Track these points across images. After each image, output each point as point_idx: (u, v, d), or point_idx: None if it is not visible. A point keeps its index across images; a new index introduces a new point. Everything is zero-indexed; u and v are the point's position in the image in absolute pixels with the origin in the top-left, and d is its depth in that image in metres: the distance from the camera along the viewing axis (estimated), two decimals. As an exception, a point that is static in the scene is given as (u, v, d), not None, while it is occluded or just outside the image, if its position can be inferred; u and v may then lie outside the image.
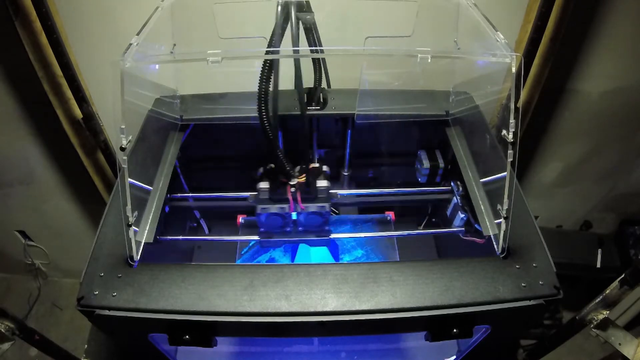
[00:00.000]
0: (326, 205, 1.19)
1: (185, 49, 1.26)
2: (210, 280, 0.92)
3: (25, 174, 2.16)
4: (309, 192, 1.19)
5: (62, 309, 2.80)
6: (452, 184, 1.32)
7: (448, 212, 1.35)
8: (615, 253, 2.28)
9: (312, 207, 1.18)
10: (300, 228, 1.24)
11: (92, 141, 1.73)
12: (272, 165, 1.18)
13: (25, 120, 1.89)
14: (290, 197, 1.16)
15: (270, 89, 1.01)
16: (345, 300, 0.89)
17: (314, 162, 1.26)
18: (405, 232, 1.41)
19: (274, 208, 1.18)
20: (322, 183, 1.22)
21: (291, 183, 1.17)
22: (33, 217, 2.44)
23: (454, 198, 1.29)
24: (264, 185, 1.22)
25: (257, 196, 1.21)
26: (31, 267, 2.76)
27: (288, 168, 1.15)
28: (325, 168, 1.27)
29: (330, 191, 1.24)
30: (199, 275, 0.93)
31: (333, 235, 1.27)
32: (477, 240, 1.15)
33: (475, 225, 1.14)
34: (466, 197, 1.20)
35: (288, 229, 1.24)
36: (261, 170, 1.26)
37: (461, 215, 1.24)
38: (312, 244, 1.33)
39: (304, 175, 1.18)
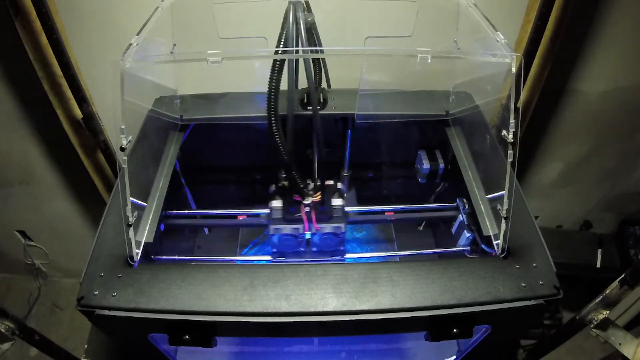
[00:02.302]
0: (342, 225, 1.14)
1: (185, 49, 1.26)
2: (210, 280, 0.92)
3: (25, 174, 2.16)
4: (323, 212, 1.14)
5: (62, 309, 2.80)
6: (457, 200, 1.29)
7: (453, 230, 1.33)
8: (615, 253, 2.27)
9: (328, 227, 1.14)
10: (313, 248, 1.20)
11: (92, 141, 1.73)
12: (285, 183, 1.14)
13: (25, 120, 1.89)
14: (304, 217, 1.12)
15: (284, 112, 0.98)
16: (345, 300, 0.89)
17: (314, 165, 1.24)
18: (409, 252, 1.35)
19: (288, 229, 1.13)
20: (337, 202, 1.17)
21: (305, 202, 1.12)
22: (33, 217, 2.44)
23: (460, 216, 1.27)
24: (276, 204, 1.16)
25: (269, 215, 1.16)
26: (31, 267, 2.76)
27: (302, 186, 1.11)
28: (339, 186, 1.22)
29: (348, 209, 1.19)
30: (199, 275, 0.93)
31: (348, 256, 1.23)
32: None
33: (482, 246, 1.11)
34: (472, 215, 1.17)
35: (301, 249, 1.20)
36: (273, 187, 1.21)
37: (467, 234, 1.21)
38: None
39: (318, 193, 1.13)
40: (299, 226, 1.14)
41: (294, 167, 1.08)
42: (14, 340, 1.20)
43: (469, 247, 1.23)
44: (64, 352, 1.39)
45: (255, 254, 1.50)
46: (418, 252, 1.34)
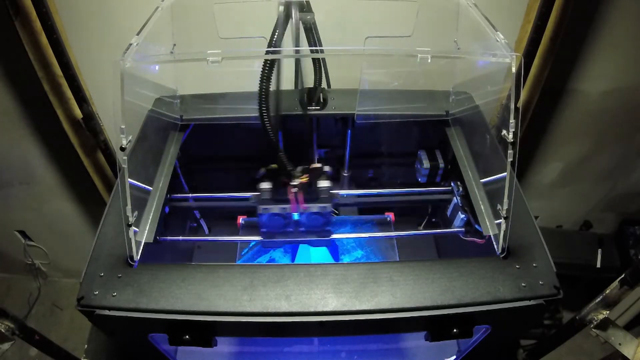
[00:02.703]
0: (328, 205, 1.19)
1: (185, 49, 1.26)
2: (210, 280, 0.92)
3: (25, 174, 2.16)
4: (310, 193, 1.19)
5: (62, 309, 2.80)
6: (452, 184, 1.32)
7: (448, 213, 1.35)
8: (615, 253, 2.28)
9: (314, 207, 1.18)
10: (301, 228, 1.24)
11: (92, 141, 1.73)
12: (274, 166, 1.18)
13: (25, 120, 1.89)
14: (292, 197, 1.16)
15: (271, 89, 1.01)
16: (345, 300, 0.89)
17: (315, 162, 1.26)
18: (405, 233, 1.40)
19: (276, 208, 1.18)
20: (323, 183, 1.22)
21: (293, 183, 1.17)
22: (33, 217, 2.44)
23: (454, 198, 1.29)
24: (265, 185, 1.22)
25: (259, 196, 1.21)
26: (31, 267, 2.76)
27: (290, 168, 1.15)
28: (326, 168, 1.27)
29: (332, 191, 1.24)
30: (199, 275, 0.93)
31: (334, 236, 1.27)
32: (477, 240, 1.15)
33: (475, 226, 1.14)
34: (466, 197, 1.20)
35: (289, 229, 1.24)
36: (263, 170, 1.26)
37: (461, 215, 1.24)
38: (313, 244, 1.33)
39: (305, 175, 1.18)
40: (287, 206, 1.18)
41: (280, 147, 1.10)
42: (14, 340, 1.20)
43: (463, 229, 1.24)
44: (64, 352, 1.39)
45: (255, 255, 1.50)
46: (414, 232, 1.39)
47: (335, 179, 1.60)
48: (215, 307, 0.88)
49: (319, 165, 1.25)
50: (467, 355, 1.21)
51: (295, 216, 1.21)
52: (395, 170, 1.61)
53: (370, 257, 1.48)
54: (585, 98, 1.89)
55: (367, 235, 1.51)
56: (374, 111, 1.31)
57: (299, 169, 1.18)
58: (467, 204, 1.20)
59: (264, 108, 1.02)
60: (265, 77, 0.99)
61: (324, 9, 1.21)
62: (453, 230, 1.28)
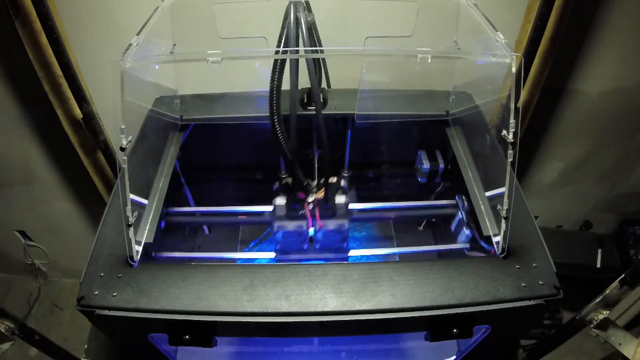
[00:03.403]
0: (345, 222, 1.15)
1: (185, 49, 1.26)
2: (210, 280, 0.92)
3: (25, 174, 2.16)
4: (327, 209, 1.15)
5: (62, 309, 2.80)
6: (456, 198, 1.30)
7: (452, 227, 1.33)
8: (615, 253, 2.27)
9: (331, 224, 1.15)
10: (317, 245, 1.21)
11: (92, 141, 1.73)
12: (289, 180, 1.15)
13: (25, 120, 1.89)
14: (308, 214, 1.13)
15: (286, 112, 0.97)
16: (345, 300, 0.89)
17: (314, 165, 1.24)
18: (409, 249, 1.36)
19: (291, 225, 1.14)
20: (340, 199, 1.18)
21: (309, 199, 1.13)
22: (33, 217, 2.44)
23: (459, 213, 1.27)
24: (280, 201, 1.17)
25: (273, 212, 1.17)
26: (31, 267, 2.76)
27: (306, 183, 1.11)
28: (343, 183, 1.22)
29: (349, 207, 1.20)
30: (199, 275, 0.93)
31: (352, 253, 1.23)
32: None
33: (481, 243, 1.12)
34: (471, 213, 1.18)
35: (305, 247, 1.20)
36: (277, 184, 1.22)
37: (466, 231, 1.22)
38: (328, 260, 1.29)
39: (322, 190, 1.14)
40: (303, 223, 1.15)
41: (298, 165, 1.08)
42: (14, 340, 1.20)
43: (468, 245, 1.23)
44: (64, 352, 1.39)
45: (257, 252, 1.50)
46: (417, 249, 1.34)
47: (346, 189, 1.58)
48: (215, 307, 0.88)
49: (335, 179, 1.20)
50: (467, 355, 1.21)
51: (311, 232, 1.18)
52: (395, 170, 1.61)
53: (370, 257, 1.47)
54: (585, 98, 1.89)
55: (378, 252, 1.47)
56: (374, 111, 1.31)
57: (315, 183, 1.14)
58: (472, 220, 1.17)
59: (278, 128, 0.98)
60: (276, 84, 0.96)
61: (324, 9, 1.21)
62: (458, 246, 1.25)
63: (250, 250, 1.53)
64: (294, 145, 1.05)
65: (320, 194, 1.14)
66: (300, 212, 1.14)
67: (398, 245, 1.52)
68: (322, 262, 1.31)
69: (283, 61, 0.97)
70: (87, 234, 2.49)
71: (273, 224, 1.15)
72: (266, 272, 0.94)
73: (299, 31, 0.98)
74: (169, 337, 0.92)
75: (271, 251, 1.25)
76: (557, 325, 2.41)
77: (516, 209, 0.97)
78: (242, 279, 0.92)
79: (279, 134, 1.01)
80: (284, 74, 1.01)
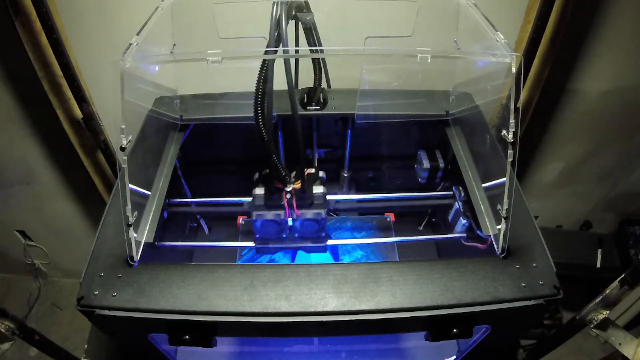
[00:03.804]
0: (322, 211, 1.17)
1: (185, 49, 1.25)
2: (210, 280, 0.92)
3: (25, 174, 2.16)
4: (304, 199, 1.17)
5: (62, 309, 2.80)
6: (453, 189, 1.31)
7: (450, 217, 1.34)
8: (615, 253, 2.27)
9: (308, 213, 1.17)
10: (296, 234, 1.23)
11: (92, 141, 1.73)
12: (268, 170, 1.17)
13: (25, 120, 1.89)
14: (285, 203, 1.15)
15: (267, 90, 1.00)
16: (345, 300, 0.89)
17: (314, 164, 1.25)
18: (406, 238, 1.39)
19: (270, 214, 1.16)
20: (318, 189, 1.20)
21: (287, 189, 1.15)
22: (33, 217, 2.44)
23: (456, 203, 1.29)
24: (259, 191, 1.20)
25: (252, 202, 1.19)
26: (31, 267, 2.76)
27: (284, 174, 1.13)
28: (321, 174, 1.25)
29: (327, 197, 1.22)
30: (199, 275, 0.93)
31: (330, 242, 1.26)
32: (479, 245, 1.15)
33: (477, 232, 1.13)
34: (468, 203, 1.19)
35: (284, 235, 1.23)
36: (257, 175, 1.25)
37: (463, 221, 1.23)
38: (308, 250, 1.32)
39: (299, 181, 1.16)
40: (281, 212, 1.16)
41: (276, 155, 1.10)
42: (14, 340, 1.20)
43: (465, 234, 1.24)
44: (64, 352, 1.39)
45: (255, 255, 1.50)
46: (414, 238, 1.36)
47: (335, 179, 1.60)
48: (215, 307, 0.88)
49: (312, 170, 1.23)
50: (467, 355, 1.21)
51: (290, 222, 1.20)
52: (395, 171, 1.61)
53: (370, 257, 1.48)
54: (585, 98, 1.89)
55: (364, 242, 1.50)
56: (374, 111, 1.31)
57: (293, 174, 1.17)
58: (469, 209, 1.19)
59: (260, 110, 1.01)
60: (262, 78, 0.98)
61: (324, 9, 1.21)
62: (455, 235, 1.27)
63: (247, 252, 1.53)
64: (271, 127, 1.06)
65: (297, 185, 1.15)
66: (279, 202, 1.16)
67: (398, 246, 1.52)
68: (301, 251, 1.35)
69: (272, 61, 0.98)
70: (87, 234, 2.49)
71: (252, 212, 1.18)
72: (266, 272, 0.94)
73: (282, 30, 0.98)
74: (169, 337, 0.92)
75: (252, 240, 1.27)
76: (557, 325, 2.41)
77: (516, 209, 0.97)
78: (242, 279, 0.92)
79: (260, 120, 1.02)
80: (277, 74, 1.01)
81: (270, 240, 1.24)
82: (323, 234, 1.23)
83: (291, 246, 1.27)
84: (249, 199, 1.28)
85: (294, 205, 1.16)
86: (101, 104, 1.68)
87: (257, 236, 1.23)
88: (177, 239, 1.26)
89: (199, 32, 1.29)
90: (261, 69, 0.98)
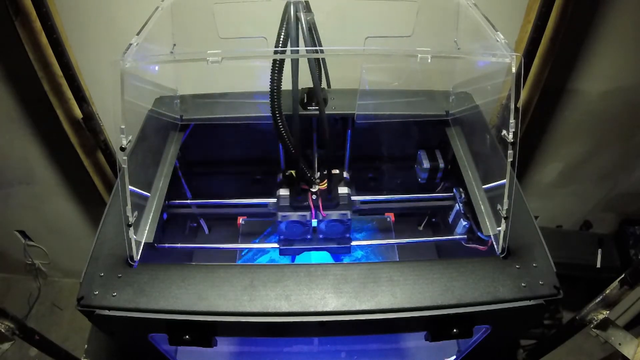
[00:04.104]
0: (348, 212, 1.16)
1: (185, 49, 1.26)
2: (210, 280, 0.92)
3: (25, 174, 2.16)
4: (330, 200, 1.16)
5: (62, 309, 2.80)
6: (454, 190, 1.31)
7: (450, 219, 1.34)
8: (615, 253, 2.27)
9: (334, 214, 1.16)
10: (320, 236, 1.22)
11: (92, 141, 1.73)
12: (292, 172, 1.16)
13: (25, 120, 1.89)
14: (311, 204, 1.14)
15: (289, 113, 0.99)
16: (345, 300, 0.89)
17: (314, 164, 1.24)
18: (408, 240, 1.38)
19: (295, 216, 1.15)
20: (343, 190, 1.20)
21: (312, 190, 1.14)
22: (33, 217, 2.44)
23: (457, 205, 1.29)
24: (284, 192, 1.19)
25: (277, 203, 1.18)
26: (31, 267, 2.76)
27: (309, 175, 1.13)
28: (345, 174, 1.24)
29: (352, 198, 1.21)
30: (199, 275, 0.93)
31: (354, 243, 1.25)
32: (480, 247, 1.15)
33: (478, 233, 1.13)
34: (468, 205, 1.19)
35: (308, 237, 1.22)
36: (281, 176, 1.23)
37: (464, 222, 1.23)
38: (333, 251, 1.30)
39: (325, 181, 1.15)
40: (306, 213, 1.16)
41: (301, 158, 1.09)
42: (14, 340, 1.20)
43: (465, 236, 1.23)
44: (64, 352, 1.39)
45: (255, 255, 1.50)
46: (417, 239, 1.36)
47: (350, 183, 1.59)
48: (215, 307, 0.88)
49: (337, 170, 1.22)
50: (467, 355, 1.21)
51: (314, 223, 1.19)
52: (395, 171, 1.61)
53: (370, 257, 1.48)
54: (585, 98, 1.89)
55: (379, 242, 1.49)
56: (374, 111, 1.31)
57: (318, 175, 1.16)
58: (470, 211, 1.19)
59: (279, 122, 0.99)
60: (276, 80, 0.97)
61: (324, 9, 1.21)
62: (455, 237, 1.27)
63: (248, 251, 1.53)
64: (297, 140, 1.06)
65: (323, 185, 1.15)
66: (304, 202, 1.15)
67: (398, 247, 1.52)
68: (325, 252, 1.33)
69: (282, 60, 0.97)
70: (87, 234, 2.49)
71: (277, 214, 1.16)
72: (266, 272, 0.94)
73: (299, 30, 0.98)
74: (169, 337, 0.92)
75: (274, 242, 1.26)
76: (557, 325, 2.41)
77: (516, 209, 0.97)
78: (242, 279, 0.92)
79: (282, 130, 1.02)
80: (285, 73, 1.01)
81: (295, 242, 1.23)
82: (347, 235, 1.22)
83: (316, 247, 1.25)
84: (249, 200, 1.27)
85: (320, 206, 1.15)
86: (101, 104, 1.68)
87: (282, 237, 1.22)
88: (177, 240, 1.25)
89: (199, 32, 1.29)
90: (272, 69, 0.97)
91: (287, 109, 1.05)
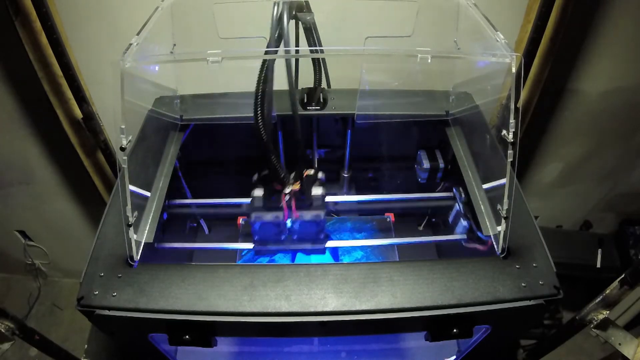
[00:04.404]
0: (321, 213, 1.17)
1: (185, 49, 1.26)
2: (210, 280, 0.92)
3: (25, 174, 2.16)
4: (303, 200, 1.17)
5: (62, 309, 2.80)
6: (454, 190, 1.31)
7: (450, 219, 1.34)
8: (615, 253, 2.27)
9: (307, 215, 1.16)
10: (295, 236, 1.23)
11: (92, 141, 1.73)
12: (267, 172, 1.17)
13: (25, 120, 1.89)
14: (284, 205, 1.15)
15: (267, 90, 1.00)
16: (345, 300, 0.89)
17: (313, 165, 1.25)
18: (406, 240, 1.37)
19: (268, 216, 1.16)
20: (317, 191, 1.20)
21: (285, 191, 1.15)
22: (33, 217, 2.44)
23: (456, 205, 1.29)
24: (258, 192, 1.20)
25: (251, 203, 1.19)
26: (31, 267, 2.76)
27: (282, 175, 1.13)
28: (320, 175, 1.24)
29: (326, 198, 1.22)
30: (199, 275, 0.93)
31: (329, 244, 1.25)
32: (480, 247, 1.15)
33: (478, 233, 1.13)
34: (468, 204, 1.19)
35: (283, 237, 1.22)
36: (256, 176, 1.24)
37: (463, 222, 1.23)
38: (307, 252, 1.31)
39: (298, 182, 1.16)
40: (279, 214, 1.16)
41: (275, 156, 1.09)
42: (14, 340, 1.20)
43: (465, 236, 1.23)
44: (64, 352, 1.39)
45: (255, 255, 1.50)
46: (416, 240, 1.35)
47: (335, 179, 1.59)
48: (215, 307, 0.88)
49: (312, 171, 1.23)
50: (467, 355, 1.21)
51: (289, 224, 1.19)
52: (395, 171, 1.61)
53: (370, 258, 1.48)
54: (585, 98, 1.89)
55: (363, 243, 1.49)
56: (374, 111, 1.31)
57: (292, 175, 1.16)
58: (469, 211, 1.19)
59: (259, 110, 1.01)
60: (262, 78, 0.98)
61: (324, 9, 1.21)
62: (455, 237, 1.27)
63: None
64: (271, 136, 1.06)
65: (297, 186, 1.15)
66: (278, 203, 1.15)
67: (398, 247, 1.52)
68: (300, 253, 1.34)
69: (272, 60, 0.98)
70: (87, 234, 2.49)
71: (251, 214, 1.17)
72: (266, 272, 0.94)
73: (283, 31, 0.98)
74: (169, 337, 0.92)
75: (251, 242, 1.27)
76: (557, 325, 2.41)
77: (516, 209, 0.97)
78: (242, 279, 0.92)
79: (260, 121, 1.02)
80: (276, 74, 1.01)
81: (269, 242, 1.24)
82: (322, 236, 1.23)
83: (290, 248, 1.27)
84: (249, 200, 1.27)
85: (293, 206, 1.15)
86: (101, 104, 1.68)
87: (256, 237, 1.23)
88: (177, 240, 1.25)
89: (199, 32, 1.29)
90: (261, 69, 0.98)
91: (285, 109, 1.05)
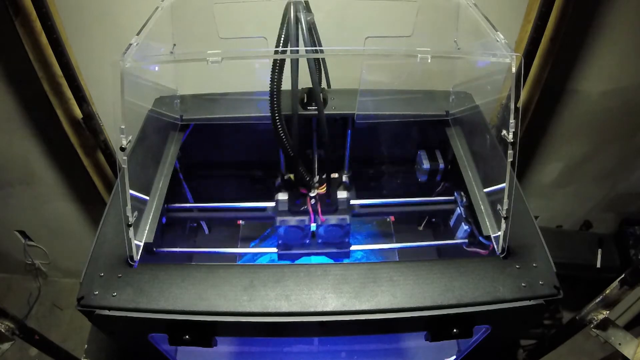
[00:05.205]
0: (347, 217, 1.16)
1: (185, 49, 1.26)
2: (210, 280, 0.92)
3: (25, 174, 2.16)
4: (329, 204, 1.16)
5: (62, 309, 2.80)
6: (455, 194, 1.31)
7: (451, 223, 1.34)
8: (615, 253, 2.27)
9: (333, 219, 1.15)
10: (319, 240, 1.21)
11: (92, 141, 1.73)
12: (291, 175, 1.15)
13: (25, 120, 1.89)
14: (310, 209, 1.14)
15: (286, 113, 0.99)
16: (345, 300, 0.89)
17: (314, 166, 1.24)
18: (409, 244, 1.37)
19: (293, 220, 1.15)
20: (342, 194, 1.19)
21: (311, 194, 1.14)
22: (33, 217, 2.44)
23: (458, 209, 1.28)
24: (282, 196, 1.18)
25: (275, 207, 1.17)
26: (31, 267, 2.76)
27: (308, 179, 1.12)
28: (344, 178, 1.24)
29: (351, 202, 1.21)
30: (199, 275, 0.93)
31: (353, 248, 1.24)
32: (481, 251, 1.14)
33: (480, 238, 1.13)
34: (470, 209, 1.18)
35: (307, 241, 1.21)
36: (279, 180, 1.23)
37: (465, 227, 1.22)
38: (332, 256, 1.29)
39: (324, 186, 1.15)
40: (305, 218, 1.15)
41: (299, 161, 1.09)
42: (14, 340, 1.20)
43: (466, 240, 1.23)
44: (64, 352, 1.39)
45: (255, 255, 1.50)
46: (417, 244, 1.35)
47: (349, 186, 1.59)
48: (215, 307, 0.88)
49: (336, 175, 1.21)
50: (467, 355, 1.21)
51: (313, 227, 1.18)
52: (395, 171, 1.61)
53: (370, 258, 1.48)
54: (585, 98, 1.89)
55: (379, 247, 1.48)
56: (374, 111, 1.31)
57: (317, 179, 1.15)
58: (471, 215, 1.18)
59: (279, 125, 0.99)
60: (277, 81, 0.96)
61: (324, 9, 1.21)
62: (456, 241, 1.26)
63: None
64: (296, 142, 1.06)
65: (322, 189, 1.14)
66: (303, 207, 1.14)
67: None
68: (324, 257, 1.31)
69: (283, 60, 0.97)
70: (87, 234, 2.49)
71: (275, 218, 1.15)
72: (266, 272, 0.94)
73: (298, 31, 0.98)
74: (169, 337, 0.92)
75: (273, 247, 1.25)
76: (557, 325, 2.40)
77: (516, 209, 0.97)
78: (242, 279, 0.92)
79: (281, 132, 1.01)
80: (285, 73, 1.01)
81: (293, 246, 1.22)
82: (347, 240, 1.21)
83: (315, 252, 1.24)
84: (248, 204, 1.26)
85: (319, 210, 1.14)
86: (101, 104, 1.68)
87: (280, 242, 1.21)
88: (177, 241, 1.25)
89: (199, 32, 1.29)
90: (272, 70, 0.96)
91: (287, 109, 1.05)
